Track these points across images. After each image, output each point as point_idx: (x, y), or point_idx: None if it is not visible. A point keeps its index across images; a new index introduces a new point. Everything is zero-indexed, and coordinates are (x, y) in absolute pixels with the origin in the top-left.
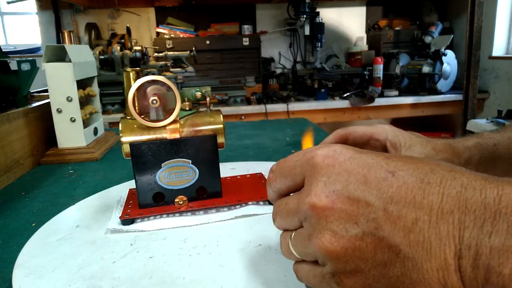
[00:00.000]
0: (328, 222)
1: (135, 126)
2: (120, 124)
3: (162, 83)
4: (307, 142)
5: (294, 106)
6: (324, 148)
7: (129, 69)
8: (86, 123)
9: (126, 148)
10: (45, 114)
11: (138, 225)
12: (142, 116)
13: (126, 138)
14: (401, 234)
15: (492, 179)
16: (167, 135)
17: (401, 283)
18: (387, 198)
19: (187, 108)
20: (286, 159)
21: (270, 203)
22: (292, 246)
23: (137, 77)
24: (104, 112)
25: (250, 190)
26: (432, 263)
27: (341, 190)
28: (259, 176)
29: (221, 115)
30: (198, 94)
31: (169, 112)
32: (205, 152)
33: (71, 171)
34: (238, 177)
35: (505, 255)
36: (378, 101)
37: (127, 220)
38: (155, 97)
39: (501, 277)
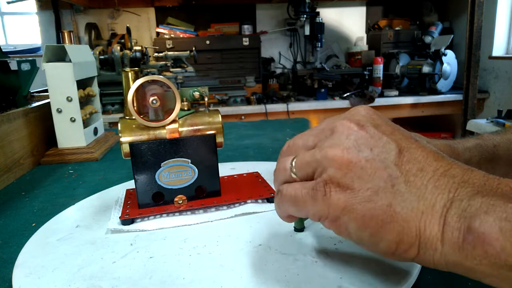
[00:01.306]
0: (347, 139)
1: (134, 126)
2: (119, 124)
3: (162, 83)
4: None
5: (294, 106)
6: (363, 105)
7: (127, 69)
8: (86, 123)
9: (126, 148)
10: (45, 114)
11: (138, 225)
12: (141, 116)
13: (126, 138)
14: (403, 172)
15: (493, 175)
16: (166, 135)
17: (383, 212)
18: (405, 146)
19: (185, 108)
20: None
21: (268, 201)
22: (294, 161)
23: (136, 77)
24: (104, 112)
25: (248, 189)
26: (420, 204)
27: (370, 126)
28: (256, 175)
29: (220, 115)
30: (196, 94)
31: (168, 112)
32: (204, 151)
33: (71, 171)
34: (235, 176)
35: (492, 208)
36: (378, 101)
37: (127, 220)
38: (155, 97)
39: (483, 223)
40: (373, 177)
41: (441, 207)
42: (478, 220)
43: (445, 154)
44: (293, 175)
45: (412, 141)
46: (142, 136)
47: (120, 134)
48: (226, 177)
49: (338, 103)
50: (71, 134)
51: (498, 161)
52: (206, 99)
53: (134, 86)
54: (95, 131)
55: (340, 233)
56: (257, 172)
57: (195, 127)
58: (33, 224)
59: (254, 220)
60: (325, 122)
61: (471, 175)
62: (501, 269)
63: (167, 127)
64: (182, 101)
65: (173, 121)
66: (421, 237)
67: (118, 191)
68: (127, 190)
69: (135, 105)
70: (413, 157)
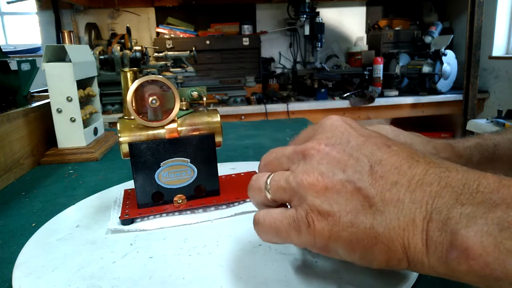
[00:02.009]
0: (319, 164)
1: (133, 126)
2: (118, 124)
3: (161, 83)
4: None
5: (294, 106)
6: (334, 116)
7: (126, 69)
8: (86, 123)
9: (125, 148)
10: (45, 114)
11: (138, 225)
12: (140, 116)
13: (125, 138)
14: (378, 190)
15: (475, 170)
16: (165, 134)
17: (367, 235)
18: (376, 160)
19: (184, 108)
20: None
21: None
22: (269, 182)
23: (135, 77)
24: (104, 112)
25: (247, 188)
26: (400, 221)
27: (340, 144)
28: (254, 174)
29: (218, 115)
30: (195, 94)
31: (167, 112)
32: (203, 151)
33: (71, 171)
34: (233, 175)
35: (473, 220)
36: (378, 101)
37: (126, 220)
38: (154, 97)
39: (465, 239)
40: (350, 200)
41: (421, 220)
42: (460, 235)
43: (421, 153)
44: (268, 195)
45: (385, 150)
46: (141, 136)
47: (119, 134)
48: (224, 177)
49: (338, 103)
50: (71, 134)
51: (498, 161)
52: (204, 98)
53: (133, 86)
54: (95, 131)
55: (331, 256)
56: (254, 171)
57: (194, 127)
58: (33, 224)
59: None
60: (302, 135)
61: (448, 179)
62: (489, 281)
63: (166, 127)
64: (180, 101)
65: (172, 121)
66: (407, 253)
67: (118, 191)
68: (125, 191)
69: (134, 105)
70: (386, 170)
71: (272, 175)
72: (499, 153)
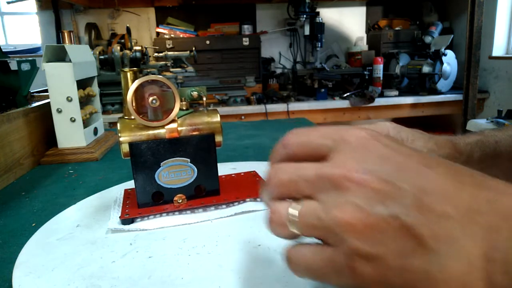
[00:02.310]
0: (354, 197)
1: (133, 126)
2: (118, 124)
3: (161, 83)
4: None
5: (294, 106)
6: (361, 129)
7: (126, 69)
8: (86, 123)
9: (125, 148)
10: (45, 114)
11: (138, 224)
12: (140, 116)
13: (125, 138)
14: (427, 225)
15: None
16: (165, 134)
17: (423, 278)
18: (420, 187)
19: (184, 108)
20: (310, 129)
21: None
22: (293, 214)
23: (135, 77)
24: (104, 112)
25: (246, 188)
26: (456, 262)
27: (374, 170)
28: (253, 174)
29: (218, 114)
30: (195, 93)
31: (167, 112)
32: (203, 150)
33: (71, 171)
34: (233, 175)
35: None
36: (378, 101)
37: (126, 219)
38: (155, 97)
39: None
40: (397, 239)
41: (479, 259)
42: None
43: (465, 170)
44: (295, 230)
45: (427, 174)
46: (142, 136)
47: (119, 134)
48: (224, 176)
49: (338, 103)
50: (71, 134)
51: (499, 157)
52: (204, 98)
53: (133, 86)
54: (95, 131)
55: None
56: (254, 171)
57: (194, 127)
58: (33, 224)
59: (254, 220)
60: (312, 139)
61: (501, 206)
62: None
63: (166, 127)
64: (180, 101)
65: (172, 121)
66: None
67: (118, 191)
68: (125, 190)
69: (134, 105)
70: (432, 199)
71: (296, 207)
72: (500, 149)
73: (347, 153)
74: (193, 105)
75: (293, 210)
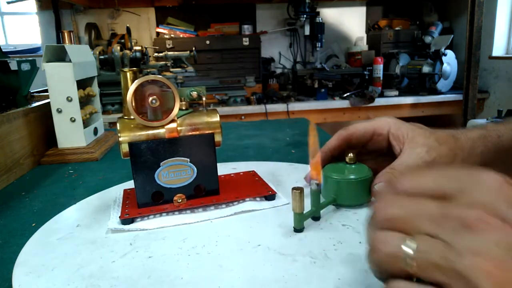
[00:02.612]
0: (496, 246)
1: (132, 126)
2: (117, 124)
3: (161, 83)
4: (312, 141)
5: (294, 106)
6: (494, 172)
7: (126, 69)
8: (86, 123)
9: (125, 148)
10: (45, 114)
11: (138, 224)
12: (140, 116)
13: (125, 138)
14: None
15: None
16: (165, 134)
17: None
18: None
19: (183, 108)
20: (427, 169)
21: (267, 199)
22: (409, 249)
23: (135, 77)
24: (104, 112)
25: (246, 187)
26: None
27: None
28: (252, 173)
29: (218, 114)
30: (194, 93)
31: (166, 112)
32: (202, 150)
33: (71, 171)
34: (232, 175)
35: None
36: (378, 101)
37: (126, 219)
38: (155, 97)
39: None
40: None
41: None
42: None
43: None
44: (407, 268)
45: None
46: (141, 136)
47: (119, 134)
48: (223, 176)
49: (338, 103)
50: (71, 134)
51: (502, 151)
52: (203, 98)
53: (133, 86)
54: (95, 131)
55: None
56: (253, 170)
57: (194, 127)
58: (33, 224)
59: (254, 220)
60: (446, 181)
61: None
62: None
63: (166, 127)
64: (180, 100)
65: (172, 121)
66: None
67: (118, 191)
68: (125, 190)
69: (134, 105)
70: None
71: (412, 241)
72: (503, 144)
73: (482, 195)
74: (193, 105)
75: (410, 243)
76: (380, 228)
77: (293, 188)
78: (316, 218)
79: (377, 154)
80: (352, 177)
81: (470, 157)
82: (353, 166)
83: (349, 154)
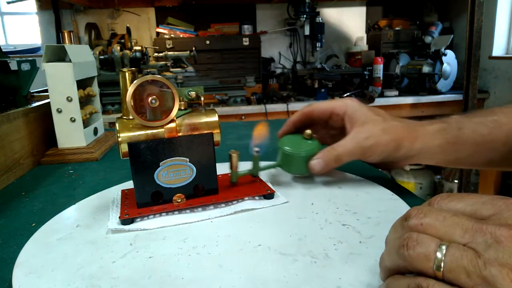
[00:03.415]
0: None
1: (131, 126)
2: (116, 124)
3: (160, 83)
4: (260, 130)
5: (294, 106)
6: None
7: (125, 70)
8: (86, 123)
9: (124, 148)
10: (45, 114)
11: (139, 224)
12: (139, 116)
13: (124, 138)
14: None
15: None
16: (164, 134)
17: None
18: None
19: (182, 108)
20: (462, 194)
21: (265, 198)
22: (441, 254)
23: (133, 77)
24: (104, 112)
25: (245, 186)
26: None
27: None
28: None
29: (216, 114)
30: (193, 93)
31: (166, 112)
32: (202, 150)
33: (71, 171)
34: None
35: None
36: (378, 101)
37: (126, 219)
38: (154, 97)
39: None
40: None
41: None
42: None
43: None
44: (435, 269)
45: None
46: (141, 136)
47: (118, 134)
48: (220, 176)
49: None
50: (71, 134)
51: (462, 144)
52: (202, 98)
53: (133, 86)
54: (95, 131)
55: None
56: None
57: (193, 126)
58: (33, 224)
59: (254, 220)
60: (481, 205)
61: None
62: None
63: (165, 127)
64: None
65: (171, 121)
66: None
67: (118, 191)
68: (123, 191)
69: (133, 105)
70: None
71: (447, 246)
72: (463, 136)
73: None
74: (194, 105)
75: (444, 247)
76: (414, 231)
77: (230, 151)
78: (254, 176)
79: (336, 132)
80: (297, 150)
81: (426, 149)
82: (309, 141)
83: (306, 130)
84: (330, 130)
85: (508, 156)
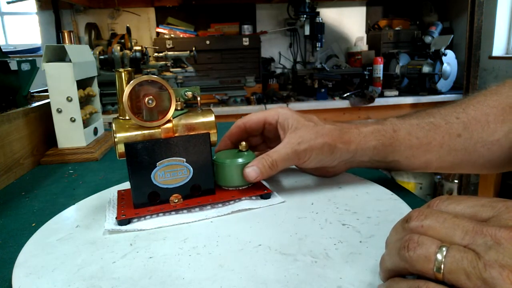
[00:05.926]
0: None
1: (128, 126)
2: (113, 125)
3: (157, 83)
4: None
5: (294, 106)
6: None
7: (121, 70)
8: (86, 123)
9: (121, 149)
10: (45, 114)
11: (136, 225)
12: (135, 116)
13: (120, 138)
14: None
15: None
16: (161, 134)
17: None
18: None
19: (179, 108)
20: (462, 197)
21: (262, 198)
22: (442, 255)
23: (130, 77)
24: (104, 112)
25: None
26: None
27: None
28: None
29: (213, 114)
30: (189, 94)
31: (162, 112)
32: (198, 150)
33: (71, 171)
34: None
35: None
36: (378, 101)
37: (123, 220)
38: (151, 97)
39: None
40: None
41: None
42: None
43: None
44: (435, 271)
45: None
46: (137, 136)
47: (115, 135)
48: None
49: (338, 103)
50: (71, 134)
51: (397, 146)
52: (198, 98)
53: (129, 86)
54: (95, 131)
55: None
56: None
57: (190, 127)
58: (33, 224)
59: (254, 220)
60: (480, 207)
61: None
62: None
63: (162, 127)
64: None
65: (168, 121)
66: None
67: (114, 192)
68: (119, 191)
69: (129, 105)
70: None
71: (448, 248)
72: (398, 138)
73: (509, 217)
74: (193, 105)
75: (444, 249)
76: (415, 232)
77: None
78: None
79: (273, 142)
80: (232, 161)
81: (362, 150)
82: (245, 153)
83: (242, 143)
84: (267, 140)
85: (445, 158)
